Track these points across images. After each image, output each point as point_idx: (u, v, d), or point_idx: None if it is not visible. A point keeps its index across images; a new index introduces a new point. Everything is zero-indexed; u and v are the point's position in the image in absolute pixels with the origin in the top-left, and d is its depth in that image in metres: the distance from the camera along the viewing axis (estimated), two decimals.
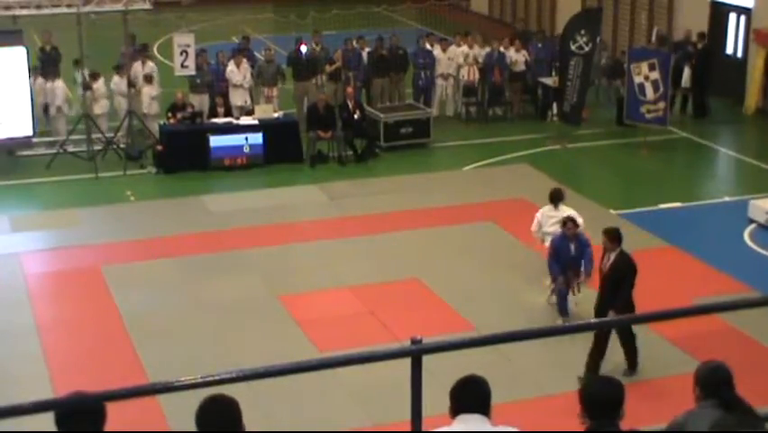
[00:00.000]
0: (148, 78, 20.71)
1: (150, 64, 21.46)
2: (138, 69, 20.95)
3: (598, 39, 22.04)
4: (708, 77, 22.70)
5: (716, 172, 20.49)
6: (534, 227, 14.24)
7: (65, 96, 20.62)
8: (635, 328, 11.83)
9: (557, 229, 13.60)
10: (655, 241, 15.98)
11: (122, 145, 19.95)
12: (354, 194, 18.14)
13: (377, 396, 11.25)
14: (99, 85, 20.48)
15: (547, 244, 13.76)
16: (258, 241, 15.94)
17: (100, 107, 20.40)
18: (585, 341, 11.80)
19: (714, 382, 5.19)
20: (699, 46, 23.00)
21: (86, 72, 20.19)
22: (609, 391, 4.88)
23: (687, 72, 22.87)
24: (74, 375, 11.86)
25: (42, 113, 20.78)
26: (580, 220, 13.62)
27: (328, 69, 21.88)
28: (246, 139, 19.50)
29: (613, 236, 11.96)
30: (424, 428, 4.99)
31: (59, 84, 20.45)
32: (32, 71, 19.83)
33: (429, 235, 16.00)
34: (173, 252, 15.58)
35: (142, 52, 21.76)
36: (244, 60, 21.25)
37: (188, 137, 19.48)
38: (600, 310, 11.73)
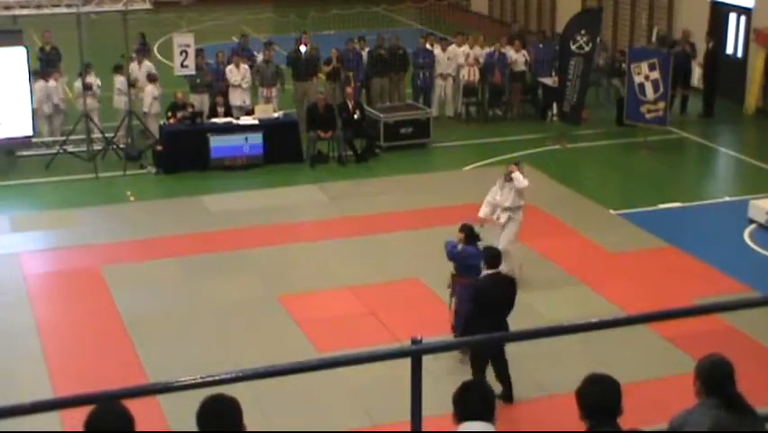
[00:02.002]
0: (151, 78, 20.70)
1: (148, 64, 21.46)
2: (135, 69, 20.91)
3: (598, 39, 22.06)
4: (717, 77, 22.78)
5: (716, 172, 20.49)
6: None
7: (60, 96, 20.58)
8: (636, 329, 11.81)
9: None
10: (655, 241, 15.98)
11: (122, 145, 19.95)
12: (354, 194, 18.14)
13: (377, 396, 11.26)
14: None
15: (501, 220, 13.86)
16: (258, 241, 15.93)
17: (87, 107, 20.39)
18: (585, 341, 11.80)
19: (716, 377, 5.15)
20: (710, 46, 23.07)
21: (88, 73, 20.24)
22: (605, 390, 4.88)
23: (698, 72, 22.98)
24: (74, 375, 11.86)
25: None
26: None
27: (325, 69, 21.88)
28: (246, 139, 19.50)
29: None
30: (424, 429, 4.99)
31: (53, 84, 20.41)
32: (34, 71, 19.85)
33: (429, 235, 15.98)
34: (173, 252, 15.58)
35: (141, 52, 21.75)
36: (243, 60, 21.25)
37: (188, 137, 19.49)
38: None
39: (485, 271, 11.37)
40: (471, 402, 4.96)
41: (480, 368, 11.03)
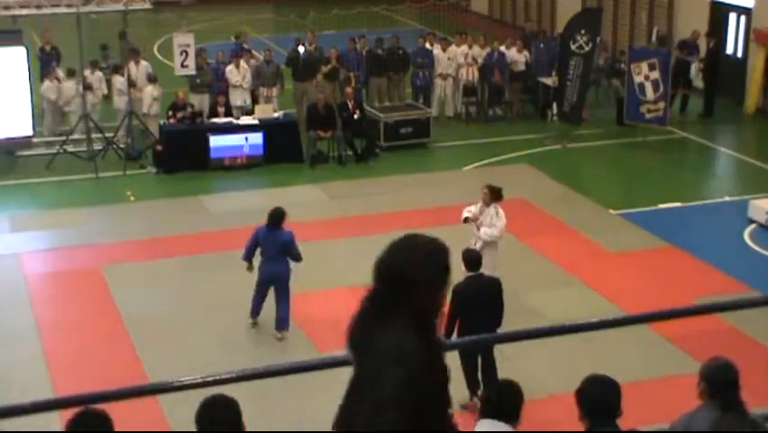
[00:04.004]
0: (151, 78, 20.69)
1: (144, 63, 21.42)
2: (132, 69, 20.90)
3: (598, 39, 22.06)
4: (717, 77, 22.78)
5: (716, 172, 20.50)
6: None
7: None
8: (636, 329, 11.80)
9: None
10: (655, 241, 15.98)
11: (122, 145, 19.95)
12: (354, 194, 18.13)
13: None
14: (71, 84, 20.45)
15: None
16: None
17: (74, 105, 20.47)
18: (585, 341, 11.79)
19: (721, 381, 5.16)
20: (710, 45, 23.07)
21: (88, 72, 20.27)
22: (605, 390, 4.89)
23: (698, 72, 23.00)
24: (74, 376, 11.86)
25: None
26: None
27: (324, 69, 21.87)
28: (246, 139, 19.49)
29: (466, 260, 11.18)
30: None
31: (47, 84, 20.49)
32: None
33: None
34: (173, 252, 15.57)
35: (136, 53, 21.67)
36: (242, 60, 21.24)
37: (188, 137, 19.48)
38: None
39: (465, 274, 11.25)
40: (493, 402, 5.05)
41: (470, 369, 11.02)
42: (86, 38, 19.80)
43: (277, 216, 12.90)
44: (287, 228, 12.93)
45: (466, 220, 13.46)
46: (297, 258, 12.95)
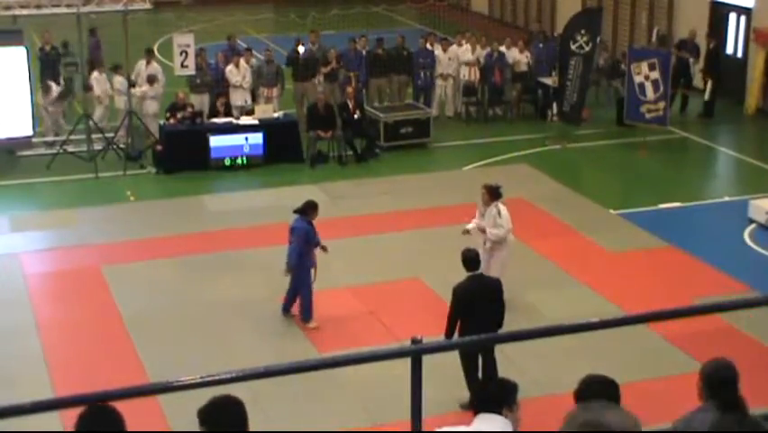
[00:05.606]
0: (150, 78, 20.68)
1: (155, 65, 21.41)
2: (141, 68, 20.94)
3: (598, 39, 22.06)
4: (717, 78, 22.77)
5: (716, 172, 20.50)
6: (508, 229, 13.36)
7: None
8: (636, 329, 11.81)
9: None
10: (655, 241, 15.99)
11: (122, 145, 19.95)
12: (354, 194, 18.13)
13: (377, 396, 11.25)
14: (56, 88, 20.47)
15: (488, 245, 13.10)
16: (258, 241, 15.92)
17: (59, 108, 20.49)
18: (585, 341, 11.79)
19: (718, 381, 5.17)
20: (710, 46, 23.07)
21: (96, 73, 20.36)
22: (604, 390, 4.88)
23: (698, 73, 23.01)
24: (74, 375, 11.86)
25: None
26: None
27: (324, 69, 21.85)
28: (246, 139, 19.50)
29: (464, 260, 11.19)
30: (424, 428, 4.99)
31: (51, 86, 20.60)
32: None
33: (429, 235, 16.00)
34: (173, 252, 15.57)
35: (149, 54, 21.67)
36: (242, 60, 21.23)
37: (188, 137, 19.48)
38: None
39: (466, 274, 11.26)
40: (486, 396, 5.06)
41: (470, 369, 11.02)
42: (86, 38, 19.78)
43: (303, 205, 13.39)
44: (312, 223, 13.34)
45: (466, 232, 13.36)
46: (292, 246, 13.15)
